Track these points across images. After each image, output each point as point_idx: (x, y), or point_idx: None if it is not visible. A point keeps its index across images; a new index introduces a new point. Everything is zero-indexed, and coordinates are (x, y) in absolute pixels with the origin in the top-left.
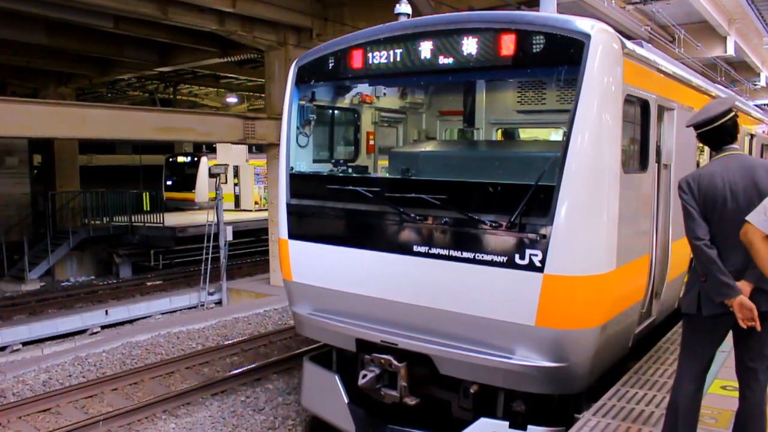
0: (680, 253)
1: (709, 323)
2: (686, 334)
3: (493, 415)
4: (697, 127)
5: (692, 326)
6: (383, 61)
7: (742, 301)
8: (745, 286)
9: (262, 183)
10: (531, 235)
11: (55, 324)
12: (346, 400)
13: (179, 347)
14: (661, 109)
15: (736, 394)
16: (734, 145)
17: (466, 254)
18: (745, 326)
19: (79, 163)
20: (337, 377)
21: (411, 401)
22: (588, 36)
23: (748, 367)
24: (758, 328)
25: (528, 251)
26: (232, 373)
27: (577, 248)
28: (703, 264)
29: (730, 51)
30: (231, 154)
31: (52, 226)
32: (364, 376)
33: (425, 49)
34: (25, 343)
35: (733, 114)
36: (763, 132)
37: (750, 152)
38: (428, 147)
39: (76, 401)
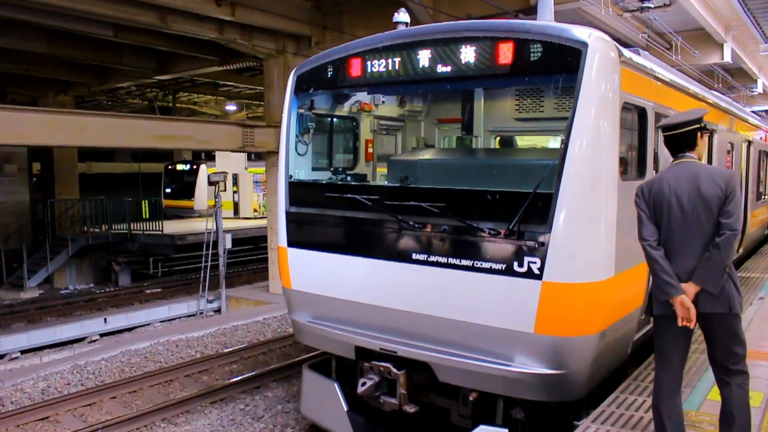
0: None
1: (671, 325)
2: (655, 338)
3: (492, 422)
4: (662, 129)
5: (658, 329)
6: (382, 69)
7: (683, 300)
8: (690, 287)
9: (261, 191)
10: (529, 243)
11: (54, 332)
12: (345, 408)
13: (178, 355)
14: (659, 117)
15: None
16: (689, 154)
17: (464, 262)
18: (680, 324)
19: (79, 170)
20: (336, 385)
21: (410, 409)
22: (585, 44)
23: (720, 365)
24: (691, 326)
25: (526, 259)
26: (231, 381)
27: (576, 255)
28: (649, 264)
29: (727, 58)
30: (230, 161)
31: (51, 233)
32: (364, 383)
33: (424, 57)
34: (23, 351)
35: (696, 126)
36: (761, 138)
37: (747, 159)
38: (427, 155)
39: (75, 409)
